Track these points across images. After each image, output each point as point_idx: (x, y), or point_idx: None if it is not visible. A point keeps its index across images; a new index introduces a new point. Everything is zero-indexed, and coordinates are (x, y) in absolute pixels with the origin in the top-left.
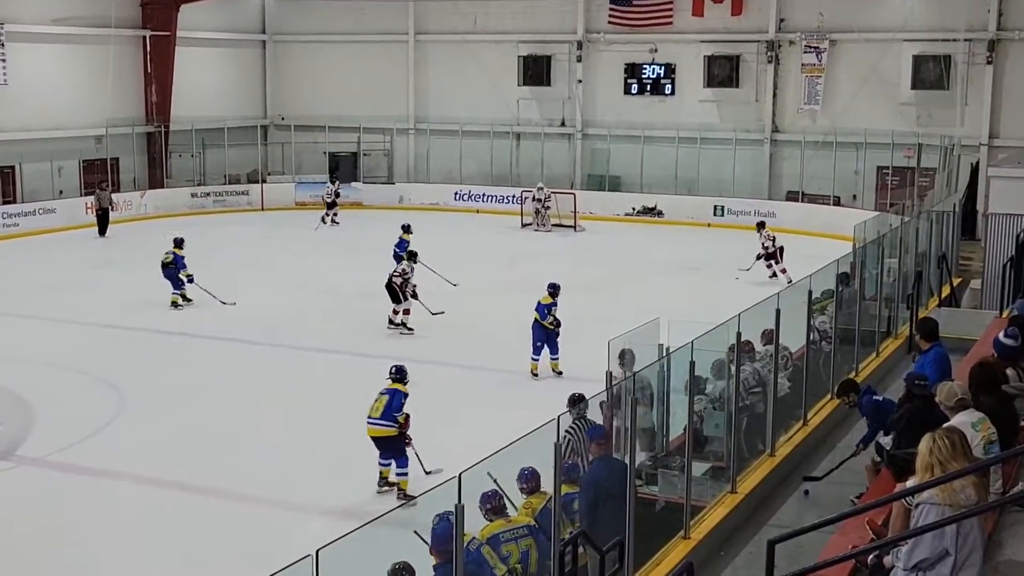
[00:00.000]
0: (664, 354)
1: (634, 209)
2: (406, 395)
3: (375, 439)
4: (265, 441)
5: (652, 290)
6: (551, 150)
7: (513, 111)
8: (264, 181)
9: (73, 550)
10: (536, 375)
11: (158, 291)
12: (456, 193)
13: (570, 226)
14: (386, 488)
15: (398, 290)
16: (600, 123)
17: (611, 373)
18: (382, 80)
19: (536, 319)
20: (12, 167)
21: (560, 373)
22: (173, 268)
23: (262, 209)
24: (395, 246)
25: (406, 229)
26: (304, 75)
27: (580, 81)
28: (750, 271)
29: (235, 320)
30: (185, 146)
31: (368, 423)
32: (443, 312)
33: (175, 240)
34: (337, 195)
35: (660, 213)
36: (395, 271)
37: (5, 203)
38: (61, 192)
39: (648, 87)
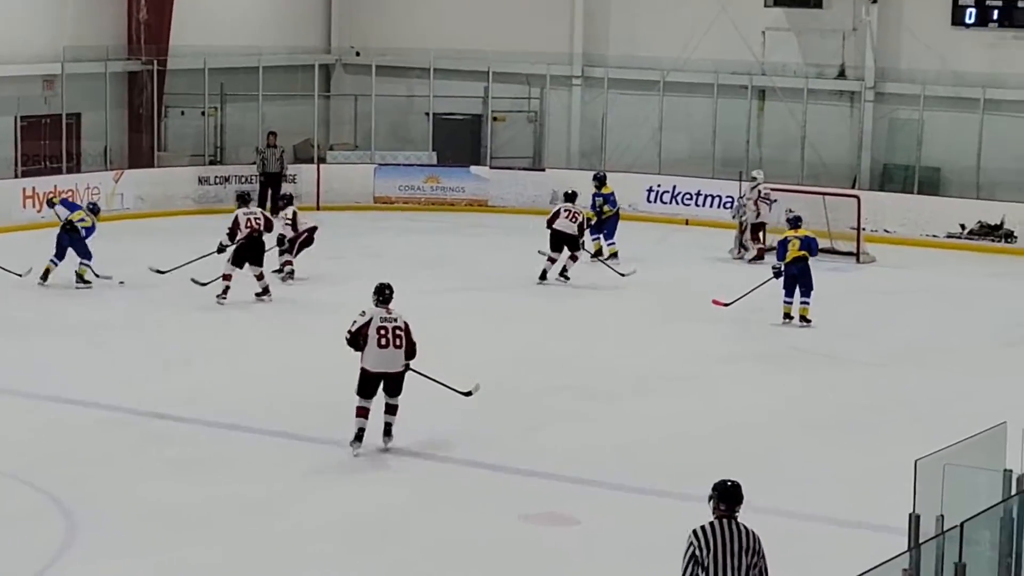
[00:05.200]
0: (1014, 487)
1: (963, 228)
2: None
3: None
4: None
5: (991, 374)
6: (821, 119)
7: (755, 50)
8: (323, 160)
9: None
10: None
11: (128, 348)
12: (651, 190)
13: (849, 253)
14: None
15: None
16: (908, 75)
17: (918, 517)
18: None
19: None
20: None
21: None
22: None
23: (317, 207)
24: (592, 198)
25: (599, 179)
26: None
27: (874, 1)
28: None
29: (235, 397)
30: (192, 97)
31: None
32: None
33: (92, 206)
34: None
35: (1011, 235)
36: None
37: None
38: None
39: (996, 16)
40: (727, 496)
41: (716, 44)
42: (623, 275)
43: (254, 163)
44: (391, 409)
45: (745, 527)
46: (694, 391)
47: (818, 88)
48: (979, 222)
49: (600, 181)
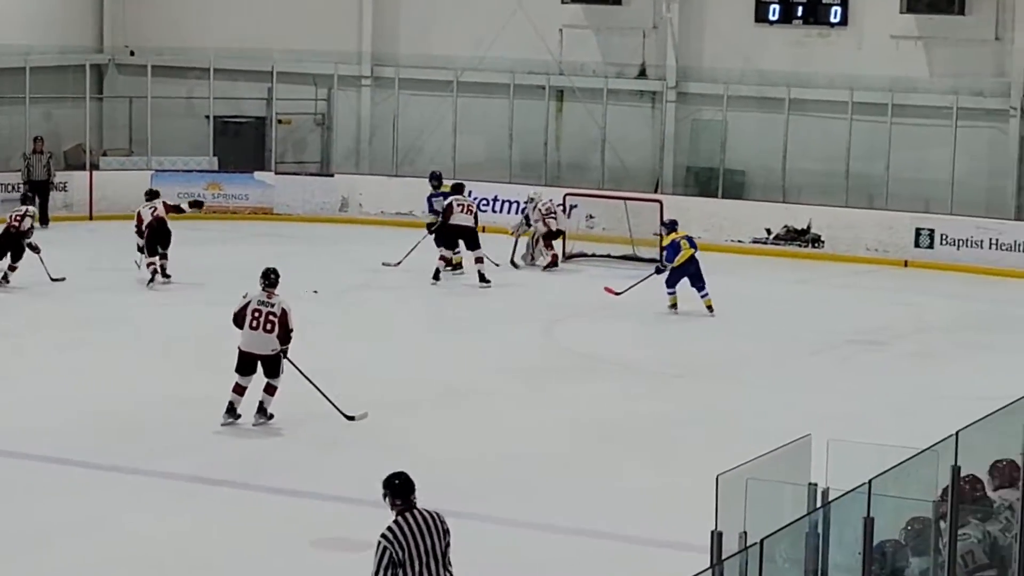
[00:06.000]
0: (819, 501)
1: (769, 233)
2: None
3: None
4: None
5: (797, 385)
6: (621, 121)
7: (553, 49)
8: (95, 166)
9: None
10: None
11: None
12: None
13: (651, 260)
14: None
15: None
16: (710, 74)
17: (720, 533)
18: None
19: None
20: None
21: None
22: None
23: (90, 217)
24: (429, 200)
25: (437, 178)
26: None
27: None
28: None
29: (5, 419)
30: None
31: None
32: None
33: None
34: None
35: (818, 240)
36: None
37: None
38: None
39: (800, 12)
40: (401, 490)
41: (512, 42)
42: (497, 265)
43: (19, 171)
44: (268, 389)
45: (428, 511)
46: (486, 404)
47: (618, 88)
48: (785, 227)
49: (439, 180)
